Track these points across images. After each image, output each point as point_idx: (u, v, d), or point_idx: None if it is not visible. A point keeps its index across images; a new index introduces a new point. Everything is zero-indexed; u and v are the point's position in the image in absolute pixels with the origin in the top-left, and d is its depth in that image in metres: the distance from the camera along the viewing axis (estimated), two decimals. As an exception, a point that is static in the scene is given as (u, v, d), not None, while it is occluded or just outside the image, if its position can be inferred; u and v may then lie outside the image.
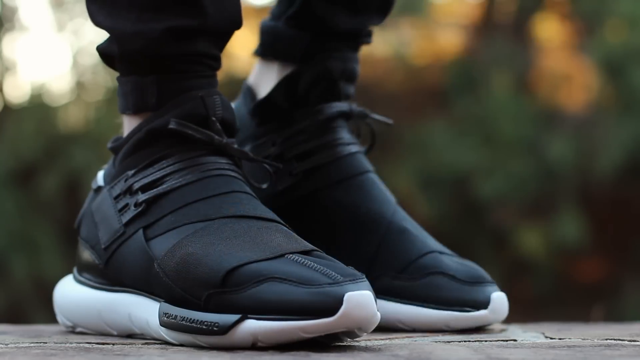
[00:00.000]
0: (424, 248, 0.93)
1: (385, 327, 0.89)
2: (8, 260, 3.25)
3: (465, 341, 0.81)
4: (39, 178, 3.33)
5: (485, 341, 0.80)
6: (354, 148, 0.96)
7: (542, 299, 3.43)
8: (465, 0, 3.94)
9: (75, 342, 0.80)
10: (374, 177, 0.97)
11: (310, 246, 0.78)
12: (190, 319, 0.76)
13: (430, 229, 1.01)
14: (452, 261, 0.92)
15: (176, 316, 0.77)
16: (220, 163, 0.85)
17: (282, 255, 0.76)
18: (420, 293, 0.90)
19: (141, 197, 0.83)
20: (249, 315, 0.73)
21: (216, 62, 0.87)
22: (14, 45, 3.59)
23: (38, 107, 3.50)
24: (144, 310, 0.82)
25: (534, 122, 3.42)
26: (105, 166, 0.90)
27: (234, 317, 0.73)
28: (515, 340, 0.82)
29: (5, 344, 0.79)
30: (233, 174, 0.85)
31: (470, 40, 3.82)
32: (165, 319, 0.78)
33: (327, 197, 0.95)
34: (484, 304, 0.89)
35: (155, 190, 0.83)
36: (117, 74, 0.88)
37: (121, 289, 0.84)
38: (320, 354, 0.71)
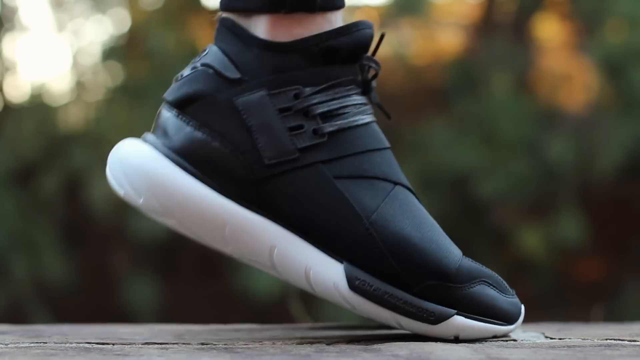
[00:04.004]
0: None
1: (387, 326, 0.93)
2: (8, 260, 3.25)
3: (465, 341, 0.81)
4: (39, 178, 3.33)
5: (485, 341, 0.80)
6: None
7: (542, 299, 3.43)
8: (465, 0, 3.94)
9: (75, 342, 0.80)
10: None
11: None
12: (403, 300, 0.76)
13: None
14: None
15: (379, 289, 0.76)
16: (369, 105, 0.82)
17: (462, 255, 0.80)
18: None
19: (323, 126, 0.77)
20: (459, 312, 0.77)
21: None
22: (14, 45, 3.59)
23: (38, 107, 3.49)
24: (305, 256, 0.76)
25: (534, 122, 3.42)
26: (218, 43, 0.80)
27: (451, 312, 0.76)
28: (515, 340, 0.82)
29: (5, 344, 0.79)
30: None
31: (470, 40, 3.82)
32: (361, 285, 0.76)
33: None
34: None
35: (338, 122, 0.78)
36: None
37: (269, 215, 0.77)
38: (320, 353, 0.71)
